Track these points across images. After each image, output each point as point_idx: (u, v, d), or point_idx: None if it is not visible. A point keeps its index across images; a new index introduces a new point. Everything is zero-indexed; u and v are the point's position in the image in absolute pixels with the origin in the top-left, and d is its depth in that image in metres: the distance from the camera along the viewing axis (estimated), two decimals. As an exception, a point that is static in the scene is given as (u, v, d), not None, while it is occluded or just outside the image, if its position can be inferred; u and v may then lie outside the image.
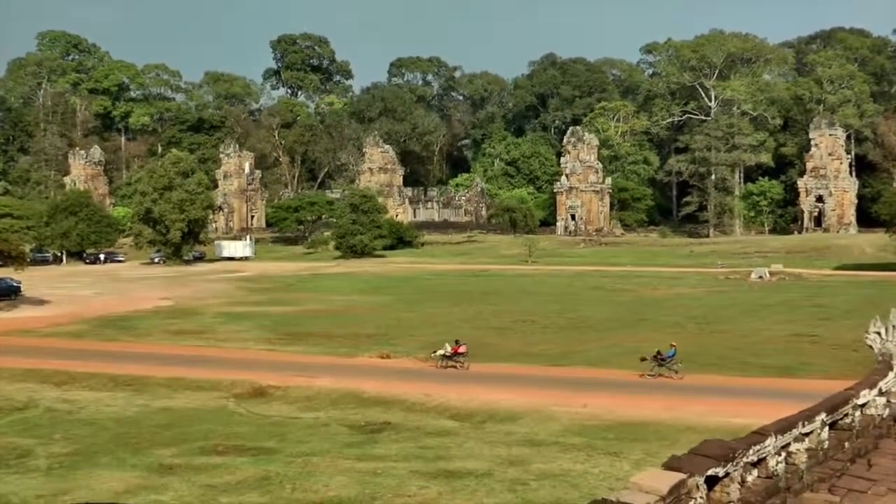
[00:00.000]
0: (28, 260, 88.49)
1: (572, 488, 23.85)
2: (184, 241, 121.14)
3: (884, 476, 11.87)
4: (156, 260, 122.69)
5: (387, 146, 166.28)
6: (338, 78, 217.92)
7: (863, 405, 14.21)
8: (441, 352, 43.22)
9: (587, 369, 42.38)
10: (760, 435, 10.96)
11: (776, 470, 10.99)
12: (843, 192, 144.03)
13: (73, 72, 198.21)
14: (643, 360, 39.87)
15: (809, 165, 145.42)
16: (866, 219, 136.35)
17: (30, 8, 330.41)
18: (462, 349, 43.10)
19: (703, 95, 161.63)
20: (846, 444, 13.05)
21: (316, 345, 51.69)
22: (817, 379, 37.32)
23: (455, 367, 42.48)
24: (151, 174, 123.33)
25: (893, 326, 15.82)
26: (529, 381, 39.27)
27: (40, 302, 74.04)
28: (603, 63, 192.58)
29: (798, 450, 11.56)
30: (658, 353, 40.11)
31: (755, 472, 10.75)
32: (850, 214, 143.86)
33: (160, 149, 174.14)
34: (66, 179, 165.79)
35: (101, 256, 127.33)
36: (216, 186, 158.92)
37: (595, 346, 49.29)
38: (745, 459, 10.42)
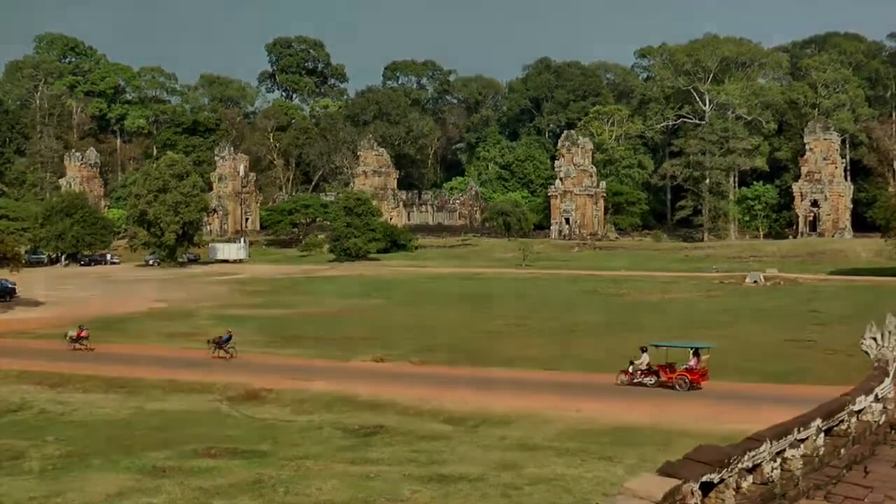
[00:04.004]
0: (23, 262, 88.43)
1: (566, 493, 23.78)
2: (178, 243, 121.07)
3: (881, 483, 11.80)
4: (150, 262, 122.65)
5: (381, 149, 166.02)
6: (332, 81, 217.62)
7: (859, 411, 14.16)
8: (70, 333, 50.04)
9: (581, 374, 42.33)
10: (755, 441, 10.89)
11: (771, 476, 10.94)
12: (838, 196, 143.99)
13: (70, 74, 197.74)
14: (208, 342, 47.36)
15: (804, 170, 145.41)
16: (861, 223, 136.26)
17: (27, 10, 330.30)
18: (84, 333, 49.97)
19: (698, 99, 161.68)
20: (842, 450, 12.99)
21: (309, 348, 51.64)
22: (812, 385, 37.24)
23: (81, 349, 48.85)
24: (146, 176, 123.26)
25: (889, 332, 15.77)
26: (523, 385, 39.19)
27: (35, 303, 73.93)
28: (597, 67, 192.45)
29: (793, 456, 11.49)
30: (218, 337, 47.58)
31: (750, 479, 10.69)
32: (845, 219, 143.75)
33: (155, 151, 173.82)
34: (62, 181, 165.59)
35: (109, 256, 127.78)
36: (211, 189, 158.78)
37: (589, 350, 49.23)
38: (740, 465, 10.36)
